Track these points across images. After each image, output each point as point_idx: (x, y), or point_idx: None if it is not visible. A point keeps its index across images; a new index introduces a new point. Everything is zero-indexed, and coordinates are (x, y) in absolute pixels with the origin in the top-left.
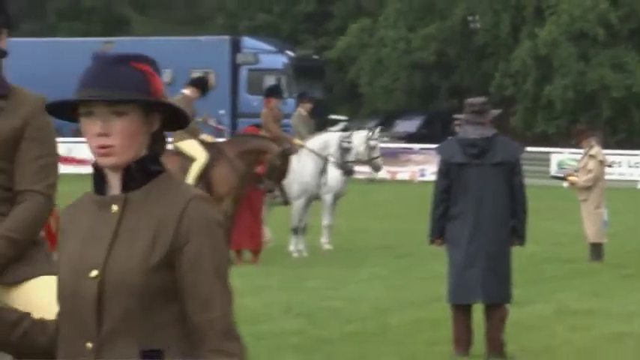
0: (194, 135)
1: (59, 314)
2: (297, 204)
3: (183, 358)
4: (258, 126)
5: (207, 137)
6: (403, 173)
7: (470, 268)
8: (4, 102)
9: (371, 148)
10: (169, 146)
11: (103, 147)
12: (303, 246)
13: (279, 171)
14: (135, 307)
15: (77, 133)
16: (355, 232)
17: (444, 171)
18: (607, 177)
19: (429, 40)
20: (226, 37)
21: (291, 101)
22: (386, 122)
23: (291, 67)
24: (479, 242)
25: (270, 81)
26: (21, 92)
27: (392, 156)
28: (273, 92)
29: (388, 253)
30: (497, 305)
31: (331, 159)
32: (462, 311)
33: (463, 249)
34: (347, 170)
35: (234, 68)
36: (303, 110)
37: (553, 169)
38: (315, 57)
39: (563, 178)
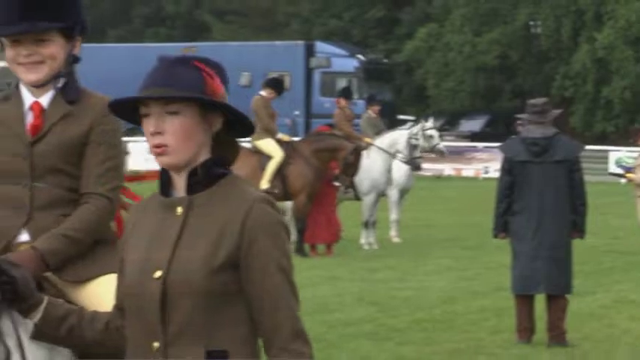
0: (271, 134)
1: (127, 314)
2: (367, 199)
3: (248, 358)
4: (330, 126)
5: (283, 136)
6: (468, 170)
7: (533, 261)
8: (73, 107)
9: (429, 137)
10: (247, 145)
11: (157, 146)
12: (373, 239)
13: (353, 167)
14: (199, 307)
15: None
16: (423, 225)
17: (507, 168)
18: None
19: (493, 44)
20: (301, 42)
21: (361, 102)
22: (451, 122)
23: (361, 70)
24: (541, 236)
25: (341, 83)
26: (90, 96)
27: (457, 154)
28: (345, 94)
29: (454, 246)
30: (558, 295)
31: (399, 155)
32: (525, 301)
33: (527, 242)
34: (415, 166)
35: (308, 71)
36: (371, 112)
37: (611, 167)
38: (385, 60)
39: (622, 175)
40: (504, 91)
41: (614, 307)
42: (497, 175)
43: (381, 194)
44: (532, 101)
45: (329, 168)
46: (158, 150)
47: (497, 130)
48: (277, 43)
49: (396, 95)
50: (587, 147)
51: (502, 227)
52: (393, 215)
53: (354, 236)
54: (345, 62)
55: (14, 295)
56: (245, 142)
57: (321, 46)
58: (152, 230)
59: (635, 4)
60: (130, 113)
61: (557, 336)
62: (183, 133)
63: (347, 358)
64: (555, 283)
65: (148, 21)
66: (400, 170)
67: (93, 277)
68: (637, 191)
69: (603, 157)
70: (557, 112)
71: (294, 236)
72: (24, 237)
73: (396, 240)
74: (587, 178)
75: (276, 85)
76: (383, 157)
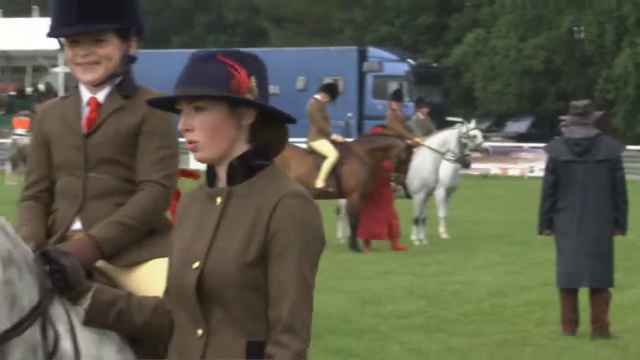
0: (326, 135)
1: (172, 303)
2: (417, 197)
3: None
4: (382, 127)
5: (337, 137)
6: (514, 170)
7: (577, 256)
8: (127, 101)
9: (473, 137)
10: (304, 145)
11: (190, 142)
12: (423, 235)
13: (405, 164)
14: (235, 298)
15: None
16: (471, 222)
17: (552, 168)
18: None
19: (538, 49)
20: (354, 48)
21: (411, 105)
22: (498, 123)
23: (412, 74)
24: (585, 232)
25: (393, 86)
26: (145, 91)
27: (503, 154)
28: (396, 96)
29: (501, 242)
30: (601, 289)
31: (449, 154)
32: (569, 295)
33: (570, 239)
34: (466, 163)
35: (361, 75)
36: (420, 114)
37: None
38: (434, 64)
39: None
40: (549, 94)
41: None
42: (542, 174)
43: (431, 192)
44: (575, 103)
45: (384, 167)
46: (191, 146)
47: (542, 131)
48: (332, 48)
49: (445, 98)
50: (629, 147)
51: (547, 224)
52: (441, 212)
53: (405, 232)
54: (396, 66)
55: (64, 283)
56: (301, 144)
57: (374, 51)
58: (195, 220)
59: None
60: (174, 110)
61: (600, 328)
62: (211, 129)
63: (399, 349)
64: (598, 277)
65: (209, 28)
66: (446, 170)
67: (142, 262)
68: None
69: None
70: (598, 113)
71: (347, 232)
72: (76, 225)
73: (444, 236)
74: (628, 177)
75: (330, 90)
76: (433, 156)
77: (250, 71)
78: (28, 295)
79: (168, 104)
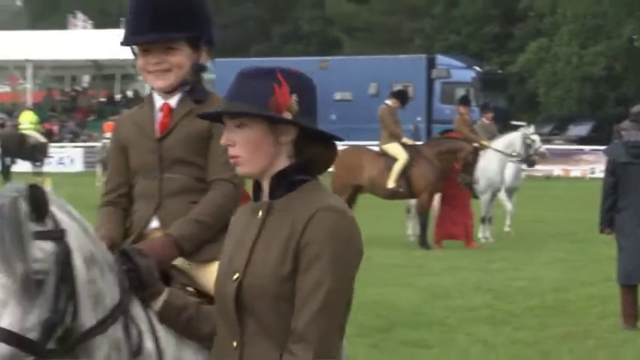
0: (397, 139)
1: (216, 313)
2: (484, 197)
3: None
4: (450, 130)
5: (407, 140)
6: (575, 171)
7: (636, 254)
8: (199, 106)
9: (532, 141)
10: (376, 148)
11: (232, 157)
12: (489, 233)
13: (471, 166)
14: (270, 311)
15: None
16: (535, 221)
17: (611, 169)
18: None
19: (599, 56)
20: (423, 56)
21: (477, 109)
22: (560, 127)
23: (478, 80)
24: None
25: (460, 92)
26: (215, 97)
27: (566, 156)
28: (463, 102)
29: (564, 239)
30: None
31: (514, 155)
32: (629, 290)
33: (630, 237)
34: (531, 162)
35: (430, 82)
36: (485, 119)
37: None
38: (499, 71)
39: None
40: (609, 99)
41: None
42: (602, 175)
43: (497, 192)
44: (634, 108)
45: (456, 169)
46: (233, 160)
47: (602, 135)
48: (402, 56)
49: (510, 103)
50: None
51: (607, 223)
52: (508, 208)
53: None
54: (463, 73)
55: (138, 283)
56: (374, 146)
57: (442, 59)
58: (239, 232)
59: None
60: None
61: None
62: (249, 145)
63: (466, 341)
64: None
65: (286, 38)
66: (509, 171)
67: (218, 257)
68: None
69: None
70: None
71: (417, 230)
72: (154, 224)
73: (507, 230)
74: None
75: (400, 96)
76: (498, 157)
77: (293, 89)
78: (110, 294)
79: (218, 117)
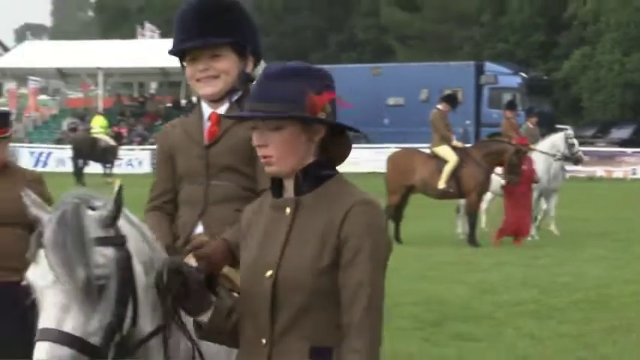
0: (447, 141)
1: (240, 311)
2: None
3: None
4: (497, 134)
5: (457, 143)
6: (617, 172)
7: None
8: None
9: (571, 145)
10: (427, 151)
11: (264, 157)
12: (534, 231)
13: (517, 166)
14: (306, 305)
15: None
16: (578, 220)
17: None
18: None
19: None
20: (472, 63)
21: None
22: (603, 130)
23: (524, 86)
24: None
25: (507, 97)
26: None
27: (608, 158)
28: (510, 106)
29: (607, 237)
30: None
31: (558, 155)
32: None
33: None
34: (576, 159)
35: (478, 87)
36: (529, 123)
37: None
38: (545, 77)
39: None
40: None
41: None
42: None
43: (542, 192)
44: None
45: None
46: (264, 160)
47: None
48: (452, 63)
49: (555, 107)
50: None
51: None
52: (550, 207)
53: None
54: (510, 79)
55: (186, 296)
56: (425, 149)
57: (490, 66)
58: (263, 230)
59: None
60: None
61: None
62: (285, 146)
63: (514, 334)
64: None
65: (341, 46)
66: (549, 172)
67: None
68: None
69: None
70: None
71: (466, 229)
72: (199, 229)
73: (549, 228)
74: None
75: (450, 100)
76: (543, 158)
77: (324, 87)
78: None
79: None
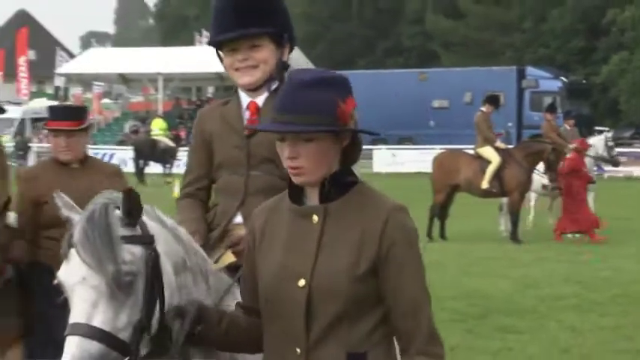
0: (490, 143)
1: (264, 319)
2: None
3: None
4: (539, 135)
5: (500, 144)
6: None
7: None
8: None
9: (610, 147)
10: (471, 151)
11: (294, 168)
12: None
13: (554, 164)
14: (342, 313)
15: None
16: (618, 218)
17: None
18: None
19: None
20: (513, 67)
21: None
22: None
23: (564, 90)
24: None
25: (547, 101)
26: None
27: None
28: (551, 109)
29: None
30: None
31: (597, 156)
32: None
33: None
34: (615, 162)
35: (520, 91)
36: (567, 126)
37: None
38: (584, 81)
39: None
40: None
41: None
42: None
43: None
44: None
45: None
46: (294, 171)
47: None
48: (494, 68)
49: (593, 110)
50: None
51: None
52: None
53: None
54: (550, 83)
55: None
56: (469, 150)
57: (531, 70)
58: (287, 237)
59: None
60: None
61: None
62: (317, 157)
63: (556, 327)
64: None
65: (388, 52)
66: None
67: None
68: None
69: None
70: None
71: (509, 226)
72: (238, 219)
73: None
74: None
75: (493, 100)
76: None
77: (347, 94)
78: (206, 302)
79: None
